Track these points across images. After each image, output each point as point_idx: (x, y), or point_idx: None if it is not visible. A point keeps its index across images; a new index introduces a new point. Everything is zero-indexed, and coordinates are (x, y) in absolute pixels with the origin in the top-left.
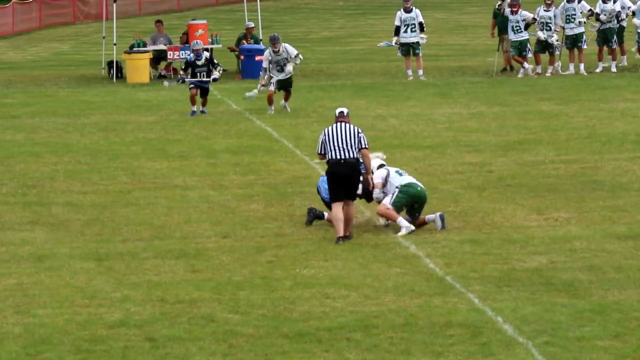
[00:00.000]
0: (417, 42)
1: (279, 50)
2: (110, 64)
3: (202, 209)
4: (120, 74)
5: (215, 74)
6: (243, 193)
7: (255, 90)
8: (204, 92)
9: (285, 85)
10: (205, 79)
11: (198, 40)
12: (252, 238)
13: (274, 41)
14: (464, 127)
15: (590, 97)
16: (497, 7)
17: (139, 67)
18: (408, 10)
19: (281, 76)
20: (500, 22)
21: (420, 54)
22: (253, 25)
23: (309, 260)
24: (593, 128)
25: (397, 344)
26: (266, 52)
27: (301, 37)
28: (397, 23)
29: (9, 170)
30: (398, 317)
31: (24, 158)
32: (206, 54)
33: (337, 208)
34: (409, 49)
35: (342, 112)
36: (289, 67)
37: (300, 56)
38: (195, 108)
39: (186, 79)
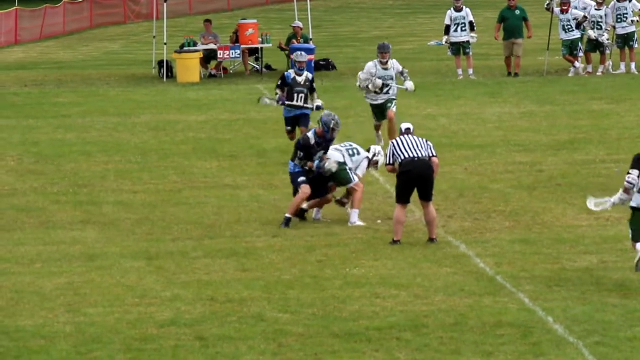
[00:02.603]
0: (468, 42)
1: (387, 64)
2: (160, 63)
3: (252, 208)
4: (171, 74)
5: (318, 102)
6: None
7: (273, 101)
8: (305, 122)
9: (381, 111)
10: (307, 105)
11: (302, 52)
12: (302, 237)
13: (383, 50)
14: (514, 126)
15: None
16: (546, 6)
17: (190, 67)
18: (458, 10)
19: (380, 99)
20: (507, 26)
21: (471, 53)
22: (301, 25)
23: (359, 259)
24: None
25: (447, 344)
26: (370, 64)
27: (351, 36)
28: (447, 22)
29: (60, 170)
30: (448, 317)
31: (75, 157)
32: (308, 73)
33: (401, 210)
34: (459, 48)
35: (408, 129)
36: (393, 89)
37: (408, 85)
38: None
39: (286, 102)
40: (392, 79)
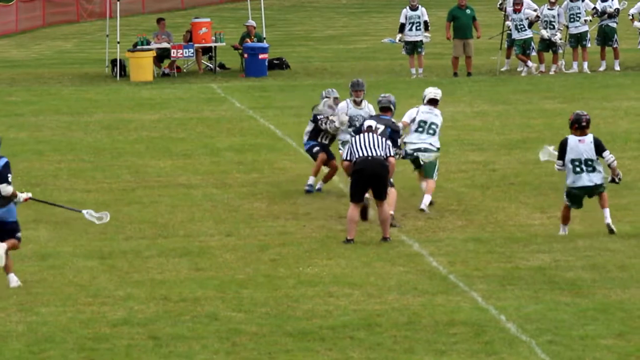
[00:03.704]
0: (421, 41)
1: (361, 103)
2: (113, 62)
3: (205, 207)
4: (124, 72)
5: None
6: (246, 191)
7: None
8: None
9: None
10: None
11: (333, 89)
12: (255, 236)
13: (356, 88)
14: (467, 125)
15: (594, 95)
16: (498, 5)
17: (143, 66)
18: (414, 8)
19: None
20: (459, 25)
21: (423, 53)
22: (254, 24)
23: (313, 258)
24: (596, 127)
25: (401, 342)
26: (342, 104)
27: (305, 35)
28: (402, 20)
29: (13, 169)
30: (401, 315)
31: (28, 156)
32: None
33: (354, 209)
34: (413, 47)
35: (370, 126)
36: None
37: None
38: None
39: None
40: (360, 119)
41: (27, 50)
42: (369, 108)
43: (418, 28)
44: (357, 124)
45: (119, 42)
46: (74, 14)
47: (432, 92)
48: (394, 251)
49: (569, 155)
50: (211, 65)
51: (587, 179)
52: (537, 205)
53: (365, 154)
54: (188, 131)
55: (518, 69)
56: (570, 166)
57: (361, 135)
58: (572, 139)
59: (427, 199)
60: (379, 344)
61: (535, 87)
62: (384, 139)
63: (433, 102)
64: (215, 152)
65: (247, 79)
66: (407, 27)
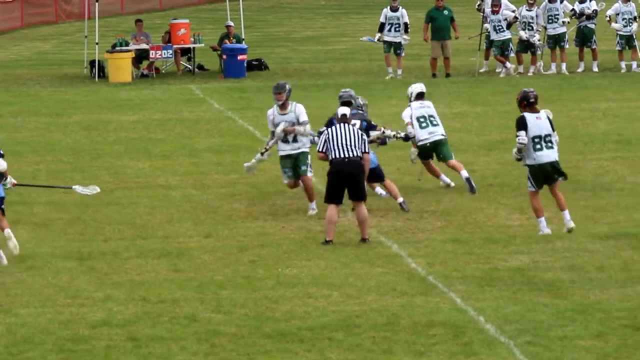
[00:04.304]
0: (400, 43)
1: (285, 106)
2: (92, 63)
3: (184, 208)
4: (103, 73)
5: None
6: (225, 192)
7: (254, 160)
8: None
9: (295, 166)
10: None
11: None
12: (234, 237)
13: (277, 90)
14: (446, 126)
15: (572, 96)
16: (477, 6)
17: (121, 67)
18: (394, 9)
19: (288, 149)
20: (437, 26)
21: (402, 54)
22: (232, 24)
23: (292, 259)
24: (575, 128)
25: (380, 343)
26: (269, 112)
27: (283, 36)
28: (382, 20)
29: None
30: (380, 316)
31: (6, 158)
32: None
33: (333, 210)
34: (390, 48)
35: (344, 115)
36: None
37: (309, 128)
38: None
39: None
40: (292, 125)
41: (5, 51)
42: (296, 111)
43: (397, 29)
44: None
45: (97, 43)
46: (52, 15)
47: (418, 87)
48: (372, 252)
49: (530, 134)
50: (190, 67)
51: (549, 155)
52: (516, 206)
53: (342, 155)
54: (167, 132)
55: (497, 70)
56: (531, 144)
57: (337, 128)
58: (530, 116)
59: (465, 174)
60: (357, 345)
61: (514, 88)
62: (359, 132)
63: (421, 95)
64: (194, 153)
65: (226, 80)
66: (387, 28)
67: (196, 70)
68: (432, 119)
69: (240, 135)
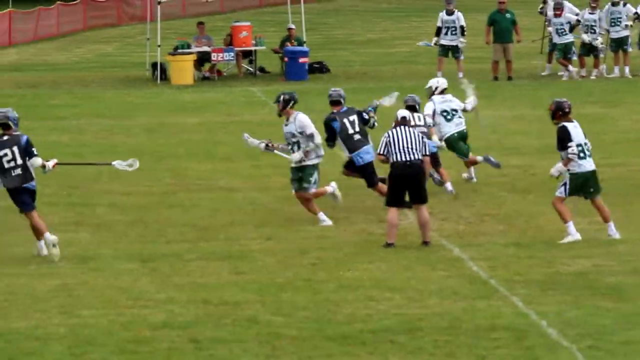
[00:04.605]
0: (456, 46)
1: (287, 116)
2: (154, 65)
3: (246, 210)
4: (165, 76)
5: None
6: (286, 195)
7: (255, 141)
8: None
9: (300, 178)
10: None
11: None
12: (295, 240)
13: (274, 101)
14: (507, 129)
15: (636, 100)
16: (539, 9)
17: (183, 69)
18: (450, 13)
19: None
20: (499, 29)
21: (461, 58)
22: (294, 27)
23: (353, 262)
24: (639, 132)
25: (441, 347)
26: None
27: (345, 39)
28: (438, 24)
29: (55, 172)
30: (442, 320)
31: (70, 159)
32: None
33: (393, 213)
34: (447, 52)
35: (404, 117)
36: (298, 153)
37: (317, 140)
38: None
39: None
40: (293, 137)
41: (68, 54)
42: (297, 122)
43: (454, 33)
44: (288, 142)
45: (159, 46)
46: (114, 17)
47: (444, 82)
48: (434, 255)
49: (574, 142)
50: (251, 69)
51: (591, 163)
52: (578, 210)
53: (404, 159)
54: (229, 135)
55: (559, 74)
56: (577, 152)
57: (398, 131)
58: (569, 125)
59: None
60: (419, 348)
61: (576, 92)
62: (419, 135)
63: (444, 91)
64: (256, 156)
65: (288, 83)
66: (443, 32)
67: (258, 72)
68: (454, 112)
69: None
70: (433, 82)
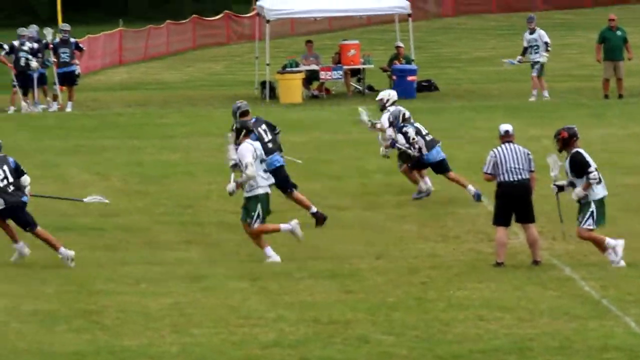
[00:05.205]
0: (539, 62)
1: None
2: (263, 84)
3: (355, 229)
4: (273, 94)
5: None
6: (396, 213)
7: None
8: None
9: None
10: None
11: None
12: (405, 259)
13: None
14: (619, 148)
15: None
16: None
17: (292, 87)
18: (532, 32)
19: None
20: (610, 47)
21: (543, 75)
22: (402, 45)
23: (463, 281)
24: None
25: None
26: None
27: (453, 57)
28: (524, 44)
29: (166, 190)
30: (553, 340)
31: (180, 178)
32: None
33: (502, 232)
34: (534, 69)
35: (507, 131)
36: (230, 184)
37: (248, 171)
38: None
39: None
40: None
41: (177, 72)
42: (239, 149)
43: (536, 51)
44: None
45: (268, 64)
46: (223, 36)
47: (393, 94)
48: (545, 275)
49: (593, 167)
50: (360, 87)
51: (604, 188)
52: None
53: (511, 179)
54: (337, 153)
55: None
56: (598, 176)
57: (504, 149)
58: (583, 151)
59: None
60: None
61: None
62: (524, 151)
63: (394, 103)
64: (365, 174)
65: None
66: (528, 50)
67: (366, 91)
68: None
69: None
70: (384, 95)
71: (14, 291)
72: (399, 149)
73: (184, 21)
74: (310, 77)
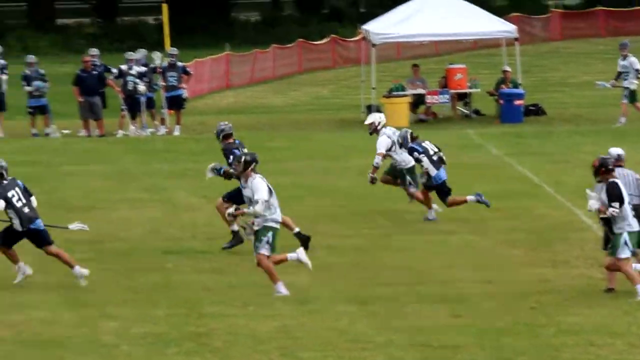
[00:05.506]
0: (628, 88)
1: (245, 178)
2: (369, 108)
3: (463, 253)
4: None
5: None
6: (504, 238)
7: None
8: None
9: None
10: None
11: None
12: (514, 283)
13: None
14: None
15: None
16: None
17: (398, 111)
18: (623, 58)
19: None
20: None
21: (624, 102)
22: (509, 69)
23: (573, 306)
24: None
25: None
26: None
27: (560, 81)
28: (618, 69)
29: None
30: None
31: (288, 202)
32: None
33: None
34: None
35: (619, 155)
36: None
37: (257, 207)
38: None
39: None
40: (250, 202)
41: (284, 97)
42: (251, 186)
43: (625, 77)
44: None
45: (374, 88)
46: (329, 60)
47: (383, 117)
48: None
49: (626, 199)
50: (467, 111)
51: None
52: None
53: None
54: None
55: None
56: (629, 209)
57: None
58: (620, 183)
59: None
60: None
61: None
62: (635, 176)
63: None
64: None
65: (503, 125)
66: (622, 76)
67: (473, 115)
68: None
69: (518, 180)
70: (375, 118)
71: (124, 314)
72: (401, 170)
73: (289, 45)
74: (417, 101)
